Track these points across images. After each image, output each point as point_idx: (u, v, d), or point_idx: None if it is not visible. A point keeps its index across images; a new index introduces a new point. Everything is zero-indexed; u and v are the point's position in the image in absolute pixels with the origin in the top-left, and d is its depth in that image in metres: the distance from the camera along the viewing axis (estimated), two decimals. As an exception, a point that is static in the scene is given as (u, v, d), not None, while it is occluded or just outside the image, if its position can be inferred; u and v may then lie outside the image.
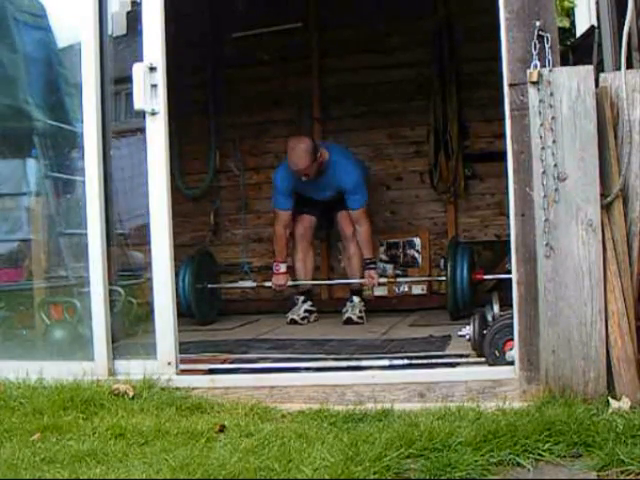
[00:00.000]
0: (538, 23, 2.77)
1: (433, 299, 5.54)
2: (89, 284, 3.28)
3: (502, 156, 2.94)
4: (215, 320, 5.32)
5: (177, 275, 4.57)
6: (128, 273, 3.79)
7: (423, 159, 5.72)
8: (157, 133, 3.20)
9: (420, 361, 3.26)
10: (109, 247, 3.31)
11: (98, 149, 3.27)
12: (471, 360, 3.25)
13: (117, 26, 4.21)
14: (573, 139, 2.71)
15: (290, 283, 5.13)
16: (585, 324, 2.69)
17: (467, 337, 3.31)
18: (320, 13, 5.90)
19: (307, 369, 3.27)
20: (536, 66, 2.75)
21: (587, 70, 2.74)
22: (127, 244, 3.84)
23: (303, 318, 5.05)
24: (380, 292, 5.63)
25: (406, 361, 3.26)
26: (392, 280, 5.60)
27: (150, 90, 3.17)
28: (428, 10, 5.61)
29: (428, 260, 5.74)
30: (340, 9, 5.54)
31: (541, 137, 2.72)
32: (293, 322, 4.99)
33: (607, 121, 2.74)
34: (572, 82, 2.72)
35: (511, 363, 2.91)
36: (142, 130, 3.23)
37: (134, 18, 3.63)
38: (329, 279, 5.77)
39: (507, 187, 2.88)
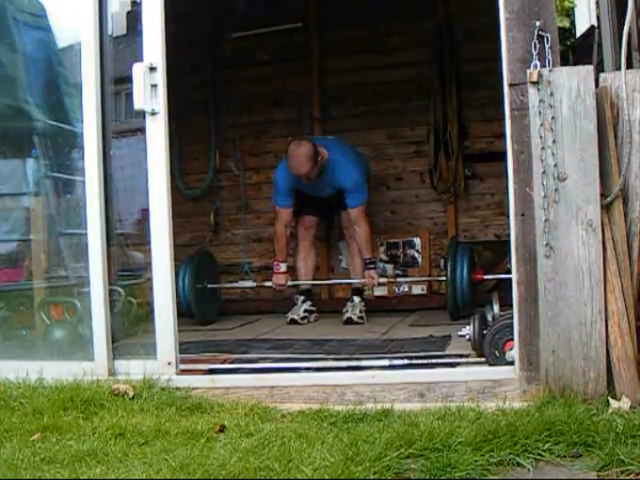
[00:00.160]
0: (538, 23, 2.77)
1: (433, 299, 5.54)
2: (89, 284, 3.28)
3: (502, 156, 2.94)
4: (215, 320, 5.32)
5: (177, 275, 4.57)
6: (128, 273, 3.80)
7: (423, 159, 5.72)
8: (157, 133, 3.20)
9: (420, 361, 3.26)
10: (109, 247, 3.31)
11: (98, 149, 3.27)
12: (471, 360, 3.25)
13: (117, 26, 4.22)
14: (573, 139, 2.71)
15: (290, 283, 5.13)
16: (585, 324, 2.69)
17: (467, 337, 3.31)
18: (320, 13, 5.90)
19: (307, 369, 3.27)
20: (536, 66, 2.75)
21: (587, 70, 2.74)
22: (127, 244, 3.84)
23: (303, 318, 5.04)
24: (380, 292, 5.63)
25: (406, 361, 3.26)
26: (392, 280, 5.60)
27: (150, 90, 3.17)
28: (428, 10, 5.60)
29: (428, 260, 5.74)
30: (340, 9, 5.54)
31: (541, 137, 2.72)
32: (293, 322, 4.99)
33: (607, 121, 2.74)
34: (572, 82, 2.72)
35: (511, 363, 2.91)
36: (142, 130, 3.23)
37: (134, 18, 3.63)
38: (329, 279, 5.77)
39: (507, 187, 2.88)
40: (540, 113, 2.72)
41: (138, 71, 3.16)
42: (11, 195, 4.37)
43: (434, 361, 3.26)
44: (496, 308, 3.54)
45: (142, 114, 3.20)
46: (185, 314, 4.90)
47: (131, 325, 3.62)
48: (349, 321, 4.91)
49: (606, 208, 2.73)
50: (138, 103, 3.17)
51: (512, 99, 2.83)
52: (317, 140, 5.03)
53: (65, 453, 2.36)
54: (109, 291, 3.30)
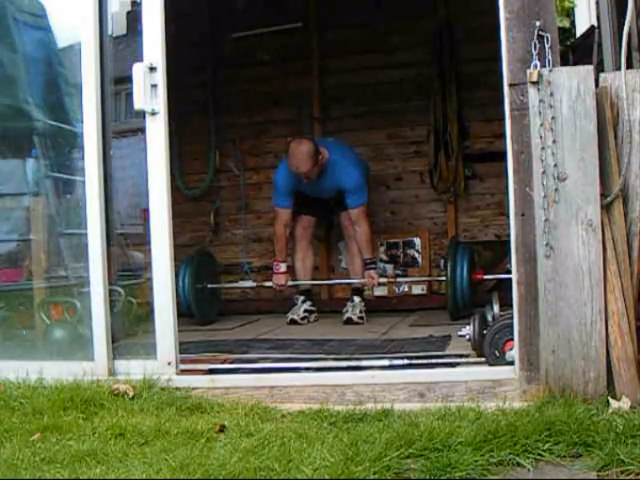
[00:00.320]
0: (538, 23, 2.77)
1: (433, 299, 5.54)
2: (89, 284, 3.28)
3: (502, 156, 2.94)
4: (215, 320, 5.32)
5: (177, 275, 4.57)
6: (128, 273, 3.80)
7: (423, 159, 5.72)
8: (157, 133, 3.20)
9: (420, 361, 3.26)
10: (109, 247, 3.31)
11: (98, 149, 3.27)
12: (471, 360, 3.25)
13: (117, 26, 4.22)
14: (573, 139, 2.71)
15: (290, 283, 5.13)
16: (585, 324, 2.69)
17: (467, 337, 3.31)
18: (320, 13, 5.89)
19: (307, 369, 3.27)
20: (536, 66, 2.75)
21: (587, 70, 2.74)
22: (127, 244, 3.84)
23: (303, 318, 5.04)
24: (380, 292, 5.63)
25: (406, 361, 3.26)
26: (392, 280, 5.60)
27: (150, 90, 3.17)
28: (428, 10, 5.60)
29: (428, 260, 5.74)
30: (340, 9, 5.54)
31: (541, 137, 2.72)
32: (293, 322, 4.99)
33: (607, 121, 2.74)
34: (572, 82, 2.72)
35: (511, 363, 2.91)
36: (142, 130, 3.23)
37: (134, 18, 3.63)
38: (329, 279, 5.77)
39: (507, 187, 2.88)
40: (540, 113, 2.72)
41: (138, 71, 3.16)
42: (11, 195, 4.37)
43: (434, 361, 3.26)
44: (496, 308, 3.54)
45: (142, 114, 3.20)
46: (185, 314, 4.90)
47: (131, 325, 3.62)
48: (349, 321, 4.91)
49: (606, 208, 2.73)
50: (138, 103, 3.17)
51: (512, 99, 2.83)
52: (317, 141, 5.03)
53: (65, 453, 2.35)
54: (109, 291, 3.30)
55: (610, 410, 2.53)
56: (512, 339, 2.92)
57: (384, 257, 5.79)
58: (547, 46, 2.76)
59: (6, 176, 4.34)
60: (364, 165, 5.18)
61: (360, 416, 2.70)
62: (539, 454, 2.23)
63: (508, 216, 2.95)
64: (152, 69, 3.17)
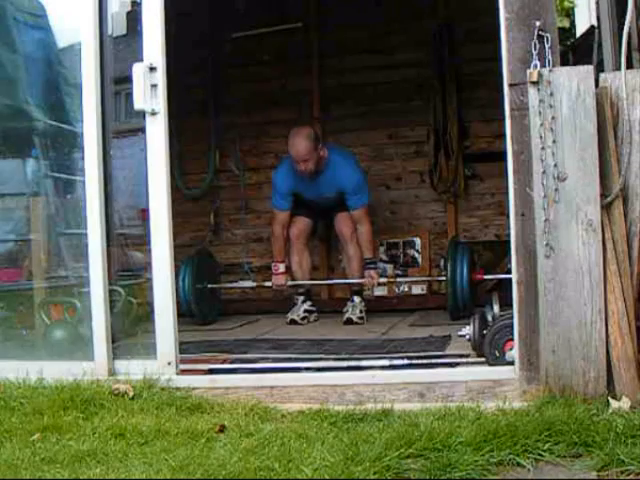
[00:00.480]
0: (538, 23, 2.77)
1: (433, 299, 5.54)
2: (89, 284, 3.28)
3: (502, 156, 2.94)
4: (215, 320, 5.32)
5: (177, 275, 4.56)
6: (128, 273, 3.79)
7: (423, 159, 5.72)
8: (157, 133, 3.20)
9: (420, 361, 3.26)
10: (109, 247, 3.31)
11: (98, 149, 3.27)
12: (471, 360, 3.25)
13: (117, 26, 4.21)
14: (573, 139, 2.71)
15: (290, 283, 5.13)
16: (585, 324, 2.69)
17: (467, 337, 3.31)
18: (320, 13, 5.90)
19: (307, 369, 3.27)
20: (536, 66, 2.75)
21: (587, 70, 2.74)
22: (127, 244, 3.84)
23: (303, 318, 5.04)
24: (380, 292, 5.63)
25: (406, 361, 3.26)
26: (392, 280, 5.60)
27: (150, 90, 3.17)
28: (428, 10, 5.60)
29: (428, 260, 5.74)
30: (340, 9, 5.54)
31: (541, 137, 2.72)
32: (293, 322, 4.99)
33: (607, 121, 2.74)
34: (572, 82, 2.72)
35: (511, 363, 2.91)
36: (142, 130, 3.23)
37: (134, 18, 3.63)
38: (329, 279, 5.77)
39: (507, 187, 2.88)
40: (540, 113, 2.72)
41: (138, 71, 3.16)
42: (11, 195, 4.37)
43: (434, 361, 3.26)
44: (496, 308, 3.54)
45: (142, 114, 3.20)
46: (185, 314, 4.90)
47: (131, 325, 3.62)
48: (349, 321, 4.91)
49: (606, 208, 2.73)
50: (138, 103, 3.17)
51: (512, 99, 2.83)
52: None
53: (65, 453, 2.36)
54: (109, 291, 3.30)
55: (610, 410, 2.53)
56: (512, 339, 2.92)
57: (384, 257, 5.79)
58: (547, 46, 2.76)
59: (6, 176, 4.34)
60: (362, 171, 5.19)
61: (360, 416, 2.69)
62: (539, 454, 2.23)
63: (508, 216, 2.95)
64: (152, 69, 3.17)
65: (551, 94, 2.72)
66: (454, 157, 5.54)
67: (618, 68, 2.84)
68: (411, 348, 3.69)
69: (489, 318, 3.42)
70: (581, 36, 5.95)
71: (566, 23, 6.62)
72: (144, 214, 3.33)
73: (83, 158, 3.31)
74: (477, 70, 5.31)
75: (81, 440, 2.48)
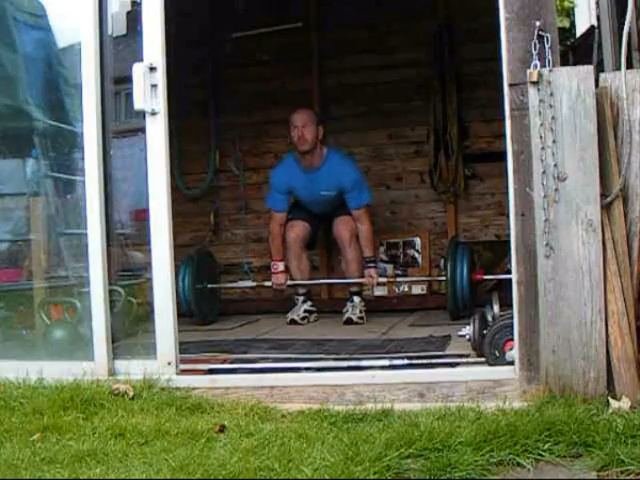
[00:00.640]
0: (538, 23, 2.77)
1: (433, 299, 5.53)
2: (89, 284, 3.28)
3: (502, 156, 2.94)
4: (215, 320, 5.32)
5: (177, 275, 4.57)
6: (128, 273, 3.79)
7: (423, 159, 5.72)
8: (157, 133, 3.20)
9: (420, 361, 3.26)
10: (109, 247, 3.31)
11: (98, 149, 3.27)
12: (471, 360, 3.25)
13: (117, 26, 4.21)
14: (573, 139, 2.71)
15: (290, 282, 5.13)
16: (585, 324, 2.69)
17: (467, 337, 3.31)
18: (320, 13, 5.90)
19: (307, 369, 3.27)
20: (536, 66, 2.75)
21: (587, 70, 2.74)
22: (127, 244, 3.84)
23: (303, 318, 5.04)
24: (380, 292, 5.62)
25: (406, 361, 3.26)
26: (392, 280, 5.60)
27: (150, 90, 3.17)
28: (428, 10, 5.61)
29: (428, 260, 5.74)
30: (340, 9, 5.54)
31: (541, 137, 2.72)
32: (293, 322, 4.99)
33: (607, 121, 2.74)
34: (572, 82, 2.72)
35: (511, 363, 2.91)
36: (142, 130, 3.23)
37: (134, 18, 3.63)
38: (329, 279, 5.77)
39: (507, 187, 2.88)
40: (540, 113, 2.72)
41: (138, 71, 3.16)
42: (11, 195, 4.37)
43: (434, 361, 3.26)
44: (496, 308, 3.54)
45: (142, 114, 3.20)
46: (185, 314, 4.90)
47: (131, 325, 3.62)
48: (349, 321, 4.91)
49: (606, 208, 2.73)
50: (138, 103, 3.17)
51: (512, 99, 2.83)
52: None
53: (65, 453, 2.35)
54: (109, 291, 3.30)
55: (610, 410, 2.53)
56: (512, 339, 2.92)
57: (384, 257, 5.79)
58: (547, 46, 2.76)
59: (6, 176, 4.34)
60: (361, 171, 5.20)
61: (360, 416, 2.69)
62: (539, 454, 2.23)
63: (508, 216, 2.95)
64: (152, 69, 3.17)
65: (551, 94, 2.72)
66: (454, 157, 5.55)
67: (618, 68, 2.84)
68: (411, 348, 3.69)
69: (489, 318, 3.42)
70: (581, 36, 5.95)
71: (566, 23, 6.62)
72: (144, 214, 3.33)
73: (83, 158, 3.31)
74: (477, 70, 5.31)
75: (81, 440, 2.48)
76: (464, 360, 3.27)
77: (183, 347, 3.37)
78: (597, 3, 4.48)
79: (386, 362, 3.29)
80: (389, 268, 5.76)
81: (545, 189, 2.72)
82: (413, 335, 4.21)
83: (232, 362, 3.52)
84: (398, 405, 2.80)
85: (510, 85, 2.84)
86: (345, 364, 3.35)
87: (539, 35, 2.77)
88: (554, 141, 2.71)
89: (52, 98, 4.05)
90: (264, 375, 3.19)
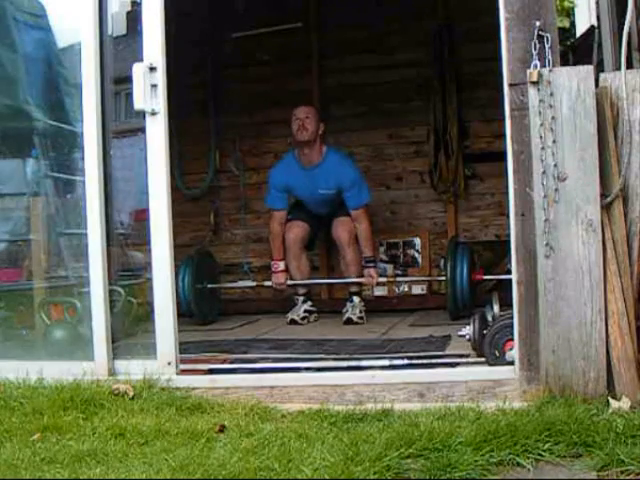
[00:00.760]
0: (538, 23, 2.77)
1: (433, 299, 5.53)
2: (89, 284, 3.28)
3: (502, 156, 2.94)
4: (215, 320, 5.32)
5: (177, 275, 4.57)
6: (128, 273, 3.79)
7: (423, 159, 5.72)
8: (157, 133, 3.20)
9: (420, 361, 3.26)
10: (109, 247, 3.31)
11: (98, 149, 3.27)
12: (471, 360, 3.25)
13: (117, 26, 4.20)
14: (573, 139, 2.71)
15: (290, 282, 5.13)
16: (585, 324, 2.69)
17: (467, 337, 3.31)
18: (320, 13, 5.90)
19: (307, 369, 3.27)
20: (536, 66, 2.75)
21: (587, 70, 2.74)
22: (127, 244, 3.84)
23: (303, 318, 5.04)
24: (380, 292, 5.63)
25: (406, 361, 3.26)
26: (392, 280, 5.60)
27: (150, 90, 3.17)
28: (428, 10, 5.61)
29: (428, 260, 5.74)
30: (340, 9, 5.54)
31: (541, 137, 2.72)
32: (293, 322, 4.99)
33: (607, 121, 2.74)
34: (572, 82, 2.72)
35: (511, 363, 2.91)
36: (142, 130, 3.23)
37: (134, 18, 3.63)
38: (329, 279, 5.77)
39: (507, 187, 2.88)
40: (540, 113, 2.72)
41: (138, 71, 3.16)
42: (11, 195, 4.37)
43: (434, 361, 3.26)
44: (496, 308, 3.54)
45: (142, 114, 3.20)
46: (185, 314, 4.90)
47: (131, 325, 3.62)
48: (349, 321, 4.91)
49: (606, 208, 2.73)
50: (138, 103, 3.17)
51: (512, 99, 2.83)
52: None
53: (65, 453, 2.35)
54: (109, 291, 3.30)
55: (610, 410, 2.53)
56: (512, 339, 2.92)
57: (384, 257, 5.79)
58: (547, 46, 2.76)
59: (6, 176, 4.34)
60: (360, 171, 5.21)
61: (360, 416, 2.69)
62: (539, 454, 2.22)
63: (508, 216, 2.95)
64: (152, 69, 3.17)
65: (551, 94, 2.72)
66: (454, 157, 5.55)
67: (618, 68, 2.84)
68: (411, 348, 3.69)
69: (489, 318, 3.42)
70: (581, 36, 5.95)
71: (566, 23, 6.62)
72: (144, 214, 3.33)
73: (83, 158, 3.31)
74: (477, 70, 5.31)
75: (81, 440, 2.48)
76: (464, 360, 3.27)
77: (183, 347, 3.37)
78: (597, 3, 4.48)
79: (386, 362, 3.29)
80: (389, 268, 5.77)
81: (545, 189, 2.72)
82: (413, 335, 4.21)
83: (232, 362, 3.52)
84: (398, 405, 2.80)
85: (510, 85, 2.84)
86: (345, 364, 3.35)
87: (539, 35, 2.77)
88: (554, 141, 2.71)
89: (52, 98, 4.05)
90: (264, 375, 3.19)
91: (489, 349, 3.08)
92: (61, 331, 3.71)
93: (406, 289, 5.71)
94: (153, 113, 3.18)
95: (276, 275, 5.10)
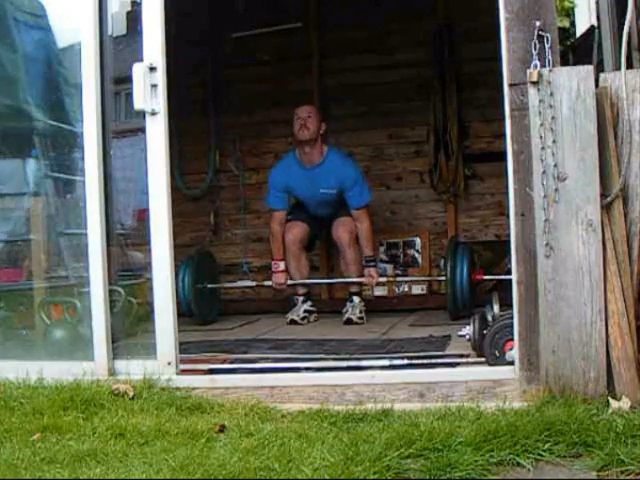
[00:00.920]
0: (538, 23, 2.77)
1: (433, 299, 5.53)
2: (89, 284, 3.28)
3: (502, 156, 2.94)
4: (215, 320, 5.32)
5: (177, 275, 4.57)
6: (128, 273, 3.79)
7: (423, 159, 5.73)
8: (157, 133, 3.20)
9: (420, 361, 3.26)
10: (109, 247, 3.31)
11: (98, 149, 3.27)
12: (471, 360, 3.25)
13: (117, 26, 4.20)
14: (573, 139, 2.71)
15: (290, 282, 5.13)
16: (585, 324, 2.69)
17: (467, 337, 3.31)
18: (320, 13, 5.90)
19: (307, 369, 3.27)
20: (536, 66, 2.75)
21: (587, 70, 2.74)
22: (127, 244, 3.84)
23: (303, 318, 5.04)
24: (380, 292, 5.63)
25: (406, 361, 3.26)
26: (392, 280, 5.60)
27: (150, 90, 3.17)
28: (428, 10, 5.61)
29: (428, 260, 5.74)
30: (340, 9, 5.54)
31: (541, 137, 2.72)
32: (293, 322, 4.99)
33: (607, 121, 2.74)
34: (572, 82, 2.72)
35: (511, 363, 2.91)
36: (142, 130, 3.23)
37: (134, 18, 3.63)
38: (329, 279, 5.77)
39: (507, 187, 2.88)
40: (540, 113, 2.72)
41: (138, 71, 3.16)
42: (11, 195, 4.37)
43: (434, 361, 3.26)
44: (496, 308, 3.54)
45: (142, 114, 3.20)
46: (185, 314, 4.90)
47: (131, 325, 3.62)
48: (349, 321, 4.90)
49: (606, 208, 2.73)
50: (138, 103, 3.17)
51: (512, 99, 2.83)
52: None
53: (65, 453, 2.35)
54: (109, 291, 3.30)
55: (610, 410, 2.53)
56: (512, 339, 2.92)
57: (384, 257, 5.79)
58: (547, 46, 2.76)
59: (6, 176, 4.34)
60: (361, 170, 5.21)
61: (360, 416, 2.69)
62: (539, 454, 2.23)
63: (508, 216, 2.95)
64: (152, 69, 3.17)
65: (551, 94, 2.72)
66: (454, 157, 5.55)
67: (618, 68, 2.84)
68: (411, 348, 3.69)
69: (489, 318, 3.42)
70: (581, 36, 5.95)
71: (566, 23, 6.62)
72: (144, 214, 3.33)
73: (83, 158, 3.31)
74: (477, 70, 5.31)
75: (81, 440, 2.48)
76: (464, 360, 3.27)
77: (183, 347, 3.38)
78: (597, 3, 4.48)
79: (386, 362, 3.29)
80: (389, 268, 5.77)
81: (545, 189, 2.72)
82: (413, 335, 4.21)
83: (232, 362, 3.52)
84: (398, 405, 2.80)
85: (510, 85, 2.84)
86: (345, 364, 3.35)
87: (539, 35, 2.77)
88: (554, 141, 2.71)
89: (52, 98, 4.04)
90: (264, 375, 3.19)
91: (489, 349, 3.08)
92: (61, 331, 3.71)
93: (406, 289, 5.71)
94: (153, 113, 3.18)
95: (276, 275, 5.10)
